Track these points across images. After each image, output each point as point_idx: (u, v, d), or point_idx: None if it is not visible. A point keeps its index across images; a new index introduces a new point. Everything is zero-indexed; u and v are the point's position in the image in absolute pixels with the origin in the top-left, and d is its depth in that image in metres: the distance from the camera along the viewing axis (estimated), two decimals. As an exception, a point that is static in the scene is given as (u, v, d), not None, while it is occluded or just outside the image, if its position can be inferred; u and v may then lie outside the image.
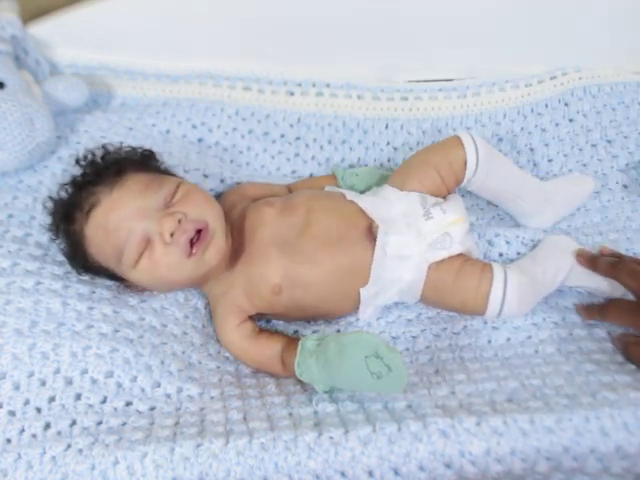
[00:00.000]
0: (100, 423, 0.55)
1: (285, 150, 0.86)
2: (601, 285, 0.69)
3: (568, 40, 0.86)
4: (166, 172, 0.73)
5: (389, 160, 0.86)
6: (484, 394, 0.56)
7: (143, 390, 0.59)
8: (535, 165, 0.85)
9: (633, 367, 0.61)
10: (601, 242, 0.74)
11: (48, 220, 0.69)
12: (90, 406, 0.56)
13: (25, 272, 0.64)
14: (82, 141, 0.78)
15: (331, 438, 0.51)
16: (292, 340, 0.66)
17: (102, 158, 0.71)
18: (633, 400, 0.53)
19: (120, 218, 0.63)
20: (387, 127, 0.87)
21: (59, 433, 0.53)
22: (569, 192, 0.78)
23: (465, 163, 0.70)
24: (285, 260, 0.66)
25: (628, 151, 0.84)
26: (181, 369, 0.62)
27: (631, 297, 0.65)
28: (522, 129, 0.86)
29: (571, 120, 0.86)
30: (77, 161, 0.71)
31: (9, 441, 0.53)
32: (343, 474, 0.50)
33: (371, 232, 0.68)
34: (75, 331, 0.60)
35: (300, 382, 0.61)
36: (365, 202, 0.70)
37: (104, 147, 0.72)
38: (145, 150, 0.74)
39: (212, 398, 0.60)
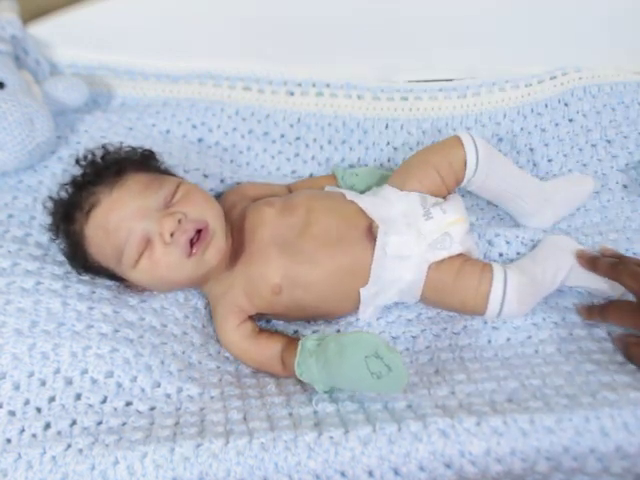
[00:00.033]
0: (100, 423, 0.55)
1: (285, 150, 0.86)
2: (601, 285, 0.69)
3: (568, 40, 0.86)
4: (166, 172, 0.73)
5: (389, 160, 0.86)
6: (484, 394, 0.56)
7: (143, 390, 0.59)
8: (535, 165, 0.85)
9: (633, 367, 0.61)
10: (601, 242, 0.74)
11: (48, 220, 0.69)
12: (90, 406, 0.56)
13: (25, 272, 0.64)
14: (82, 141, 0.78)
15: (331, 438, 0.51)
16: (292, 340, 0.66)
17: (102, 158, 0.71)
18: (633, 400, 0.53)
19: (120, 218, 0.63)
20: (387, 127, 0.87)
21: (59, 433, 0.53)
22: (569, 192, 0.78)
23: (465, 163, 0.70)
24: (285, 260, 0.67)
25: (628, 151, 0.84)
26: (181, 369, 0.62)
27: (631, 297, 0.65)
28: (522, 129, 0.86)
29: (571, 120, 0.86)
30: (77, 161, 0.71)
31: (9, 441, 0.53)
32: (343, 474, 0.50)
33: (371, 232, 0.68)
34: (75, 331, 0.60)
35: (300, 382, 0.61)
36: (365, 202, 0.70)
37: (104, 147, 0.72)
38: (145, 150, 0.74)
39: (212, 398, 0.60)
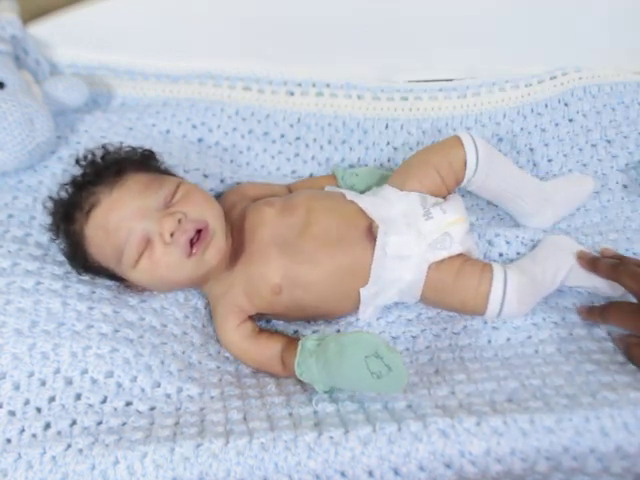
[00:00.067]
0: (100, 423, 0.55)
1: (285, 150, 0.86)
2: (601, 285, 0.69)
3: (568, 40, 0.86)
4: (166, 172, 0.73)
5: (389, 160, 0.86)
6: (484, 394, 0.56)
7: (143, 390, 0.59)
8: (535, 165, 0.85)
9: (633, 367, 0.61)
10: (601, 242, 0.75)
11: (48, 220, 0.69)
12: (90, 406, 0.56)
13: (25, 272, 0.64)
14: (82, 141, 0.78)
15: (331, 438, 0.51)
16: (292, 340, 0.66)
17: (102, 158, 0.71)
18: (633, 400, 0.53)
19: (120, 218, 0.63)
20: (387, 127, 0.87)
21: (59, 433, 0.53)
22: (569, 192, 0.78)
23: (465, 163, 0.70)
24: (285, 260, 0.67)
25: (628, 151, 0.84)
26: (181, 369, 0.62)
27: (631, 298, 0.65)
28: (522, 129, 0.86)
29: (571, 120, 0.86)
30: (77, 161, 0.71)
31: (9, 441, 0.53)
32: (343, 474, 0.50)
33: (371, 232, 0.68)
34: (75, 331, 0.60)
35: (300, 382, 0.61)
36: (365, 202, 0.70)
37: (104, 147, 0.72)
38: (145, 150, 0.74)
39: (212, 398, 0.60)
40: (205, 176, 0.80)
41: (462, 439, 0.50)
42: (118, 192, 0.64)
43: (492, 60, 0.88)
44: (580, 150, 0.85)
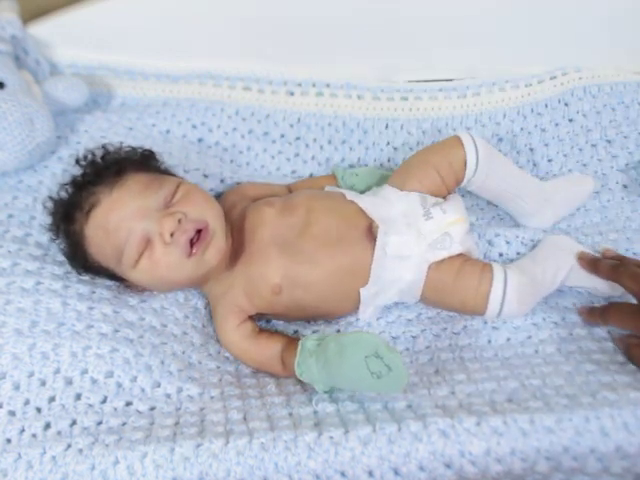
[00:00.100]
0: (100, 423, 0.55)
1: (285, 150, 0.86)
2: (601, 285, 0.69)
3: (568, 40, 0.86)
4: (166, 172, 0.73)
5: (389, 160, 0.86)
6: (484, 394, 0.56)
7: (143, 390, 0.59)
8: (535, 165, 0.85)
9: (633, 367, 0.61)
10: (601, 242, 0.75)
11: (48, 220, 0.69)
12: (90, 406, 0.56)
13: (25, 272, 0.64)
14: (82, 141, 0.78)
15: (331, 438, 0.51)
16: (292, 340, 0.66)
17: (102, 158, 0.71)
18: (633, 400, 0.53)
19: (120, 218, 0.63)
20: (387, 127, 0.87)
21: (59, 433, 0.53)
22: (569, 192, 0.78)
23: (465, 163, 0.70)
24: (285, 260, 0.67)
25: (628, 151, 0.84)
26: (181, 369, 0.62)
27: (631, 299, 0.65)
28: (522, 129, 0.86)
29: (571, 120, 0.86)
30: (77, 161, 0.71)
31: (9, 441, 0.53)
32: (343, 474, 0.50)
33: (371, 232, 0.68)
34: (75, 331, 0.60)
35: (300, 382, 0.61)
36: (365, 202, 0.70)
37: (104, 147, 0.72)
38: (145, 150, 0.74)
39: (212, 398, 0.60)
40: (205, 176, 0.80)
41: (462, 439, 0.50)
42: (118, 192, 0.64)
43: (492, 60, 0.88)
44: (580, 150, 0.85)
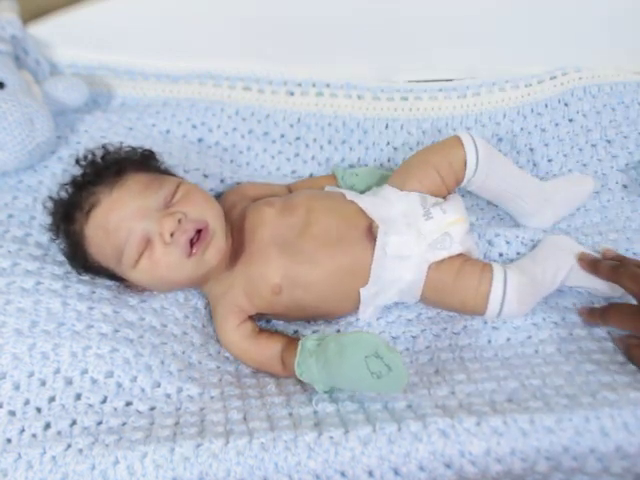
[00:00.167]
0: (100, 423, 0.55)
1: (285, 150, 0.86)
2: (601, 286, 0.69)
3: (568, 40, 0.86)
4: (166, 172, 0.73)
5: (389, 160, 0.86)
6: (484, 394, 0.56)
7: (143, 390, 0.59)
8: (535, 165, 0.85)
9: (633, 367, 0.61)
10: (601, 242, 0.75)
11: (48, 220, 0.69)
12: (90, 406, 0.56)
13: (25, 272, 0.64)
14: (82, 141, 0.78)
15: (331, 438, 0.51)
16: (292, 340, 0.66)
17: (102, 158, 0.71)
18: (633, 400, 0.53)
19: (120, 218, 0.63)
20: (387, 127, 0.87)
21: (59, 433, 0.53)
22: (569, 192, 0.78)
23: (465, 163, 0.70)
24: (285, 260, 0.67)
25: (628, 151, 0.84)
26: (181, 369, 0.62)
27: (631, 299, 0.65)
28: (522, 129, 0.86)
29: (571, 120, 0.86)
30: (77, 161, 0.71)
31: (9, 441, 0.53)
32: (343, 474, 0.50)
33: (371, 232, 0.68)
34: (75, 331, 0.60)
35: (300, 382, 0.61)
36: (365, 202, 0.70)
37: (104, 147, 0.72)
38: (145, 150, 0.74)
39: (212, 398, 0.60)
40: (205, 176, 0.80)
41: (462, 439, 0.50)
42: (118, 192, 0.64)
43: (492, 60, 0.88)
44: (580, 150, 0.85)
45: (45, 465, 0.50)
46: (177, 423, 0.55)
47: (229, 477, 0.50)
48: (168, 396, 0.59)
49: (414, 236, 0.67)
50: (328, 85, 0.88)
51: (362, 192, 0.75)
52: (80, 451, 0.51)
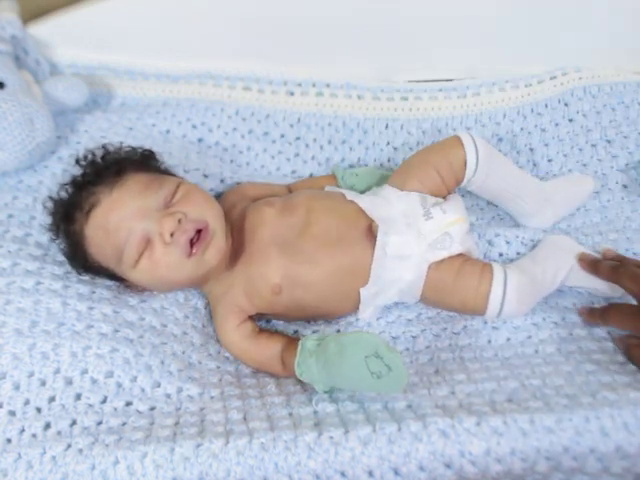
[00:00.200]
0: (100, 423, 0.55)
1: (285, 150, 0.86)
2: (601, 286, 0.69)
3: (568, 40, 0.86)
4: (166, 172, 0.73)
5: (389, 160, 0.86)
6: (484, 394, 0.56)
7: (143, 390, 0.59)
8: (535, 165, 0.85)
9: (633, 367, 0.61)
10: (601, 242, 0.75)
11: (48, 220, 0.69)
12: (90, 406, 0.56)
13: (25, 272, 0.64)
14: (82, 141, 0.78)
15: (331, 438, 0.51)
16: (292, 340, 0.66)
17: (102, 158, 0.71)
18: (633, 400, 0.53)
19: (120, 218, 0.63)
20: (387, 127, 0.87)
21: (59, 433, 0.53)
22: (569, 192, 0.79)
23: (465, 163, 0.70)
24: (285, 260, 0.67)
25: (628, 151, 0.84)
26: (181, 369, 0.62)
27: (631, 299, 0.65)
28: (522, 129, 0.86)
29: (571, 120, 0.86)
30: (77, 161, 0.71)
31: (9, 441, 0.53)
32: (343, 474, 0.50)
33: (371, 232, 0.68)
34: (75, 331, 0.60)
35: (300, 382, 0.61)
36: (365, 202, 0.70)
37: (104, 147, 0.72)
38: (145, 150, 0.74)
39: (212, 398, 0.60)
40: (205, 176, 0.80)
41: (462, 439, 0.50)
42: (118, 192, 0.64)
43: (492, 60, 0.88)
44: (580, 150, 0.85)
45: (45, 465, 0.50)
46: (177, 423, 0.55)
47: (229, 477, 0.50)
48: (168, 396, 0.59)
49: (414, 236, 0.67)
50: (328, 85, 0.88)
51: (362, 192, 0.75)
52: (80, 451, 0.51)
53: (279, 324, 0.72)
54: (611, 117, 0.85)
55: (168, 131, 0.84)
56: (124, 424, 0.55)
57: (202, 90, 0.87)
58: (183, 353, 0.64)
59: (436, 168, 0.70)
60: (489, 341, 0.67)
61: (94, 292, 0.66)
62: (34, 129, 0.71)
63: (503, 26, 0.86)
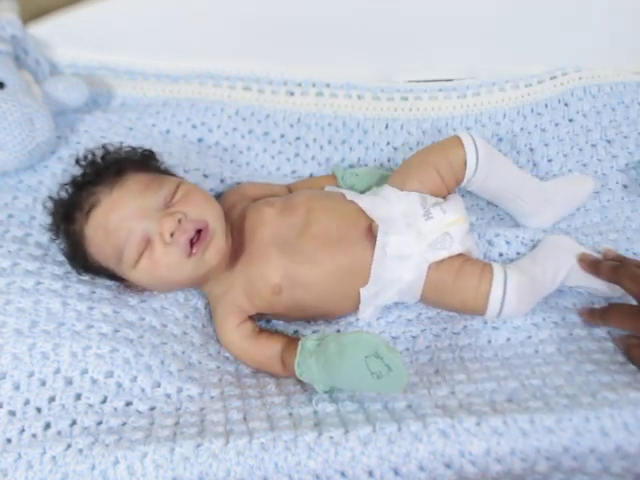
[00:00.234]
0: (100, 423, 0.55)
1: (285, 150, 0.86)
2: (601, 286, 0.69)
3: (568, 40, 0.86)
4: (166, 172, 0.73)
5: (389, 160, 0.86)
6: (484, 394, 0.56)
7: (143, 390, 0.59)
8: (535, 165, 0.85)
9: (633, 367, 0.61)
10: (601, 242, 0.75)
11: (48, 220, 0.69)
12: (90, 406, 0.56)
13: (25, 272, 0.64)
14: (82, 141, 0.78)
15: (331, 438, 0.51)
16: (292, 340, 0.66)
17: (102, 158, 0.71)
18: (633, 400, 0.53)
19: (120, 218, 0.63)
20: (387, 127, 0.87)
21: (59, 433, 0.53)
22: (569, 192, 0.79)
23: (465, 163, 0.70)
24: (285, 260, 0.67)
25: (628, 151, 0.84)
26: (181, 369, 0.62)
27: (631, 300, 0.65)
28: (522, 129, 0.86)
29: (571, 120, 0.86)
30: (77, 161, 0.71)
31: (9, 441, 0.53)
32: (343, 474, 0.50)
33: (371, 232, 0.68)
34: (75, 331, 0.60)
35: (300, 382, 0.61)
36: (365, 202, 0.70)
37: (104, 147, 0.72)
38: (145, 150, 0.74)
39: (212, 398, 0.60)
40: (205, 176, 0.80)
41: (462, 439, 0.50)
42: (118, 192, 0.64)
43: (492, 60, 0.88)
44: (580, 150, 0.85)
45: (45, 465, 0.50)
46: (177, 423, 0.55)
47: (229, 477, 0.50)
48: (168, 396, 0.59)
49: (414, 236, 0.67)
50: (328, 85, 0.88)
51: (362, 192, 0.75)
52: (80, 451, 0.51)
53: (279, 324, 0.72)
54: (611, 117, 0.85)
55: (168, 131, 0.84)
56: (124, 424, 0.55)
57: (202, 90, 0.87)
58: (183, 353, 0.64)
59: (436, 168, 0.70)
60: (489, 341, 0.67)
61: (94, 292, 0.66)
62: (34, 129, 0.71)
63: (503, 26, 0.87)
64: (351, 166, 0.86)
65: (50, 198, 0.70)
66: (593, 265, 0.68)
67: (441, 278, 0.67)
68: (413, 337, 0.69)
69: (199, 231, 0.64)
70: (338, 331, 0.70)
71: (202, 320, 0.70)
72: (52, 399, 0.56)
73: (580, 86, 0.86)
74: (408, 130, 0.87)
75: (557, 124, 0.86)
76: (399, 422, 0.52)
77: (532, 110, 0.86)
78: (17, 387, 0.56)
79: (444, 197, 0.72)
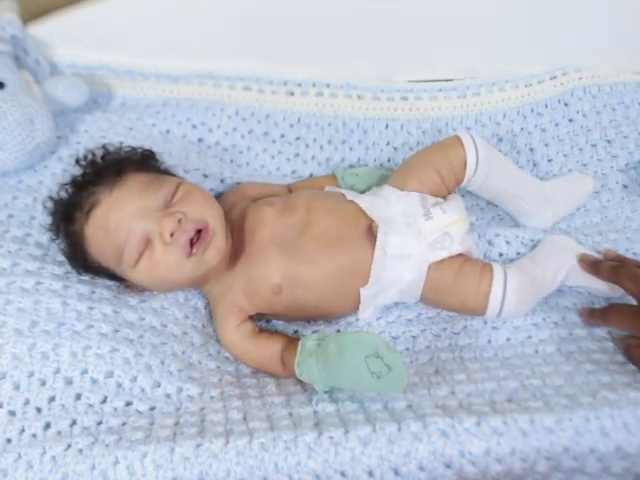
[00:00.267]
0: (100, 423, 0.55)
1: (285, 150, 0.86)
2: (601, 286, 0.69)
3: (568, 40, 0.86)
4: (166, 172, 0.73)
5: (389, 160, 0.86)
6: (484, 394, 0.56)
7: (143, 390, 0.59)
8: (535, 165, 0.85)
9: (633, 367, 0.61)
10: (601, 242, 0.75)
11: (48, 220, 0.69)
12: (90, 406, 0.56)
13: (25, 272, 0.64)
14: (82, 141, 0.78)
15: (331, 438, 0.51)
16: (292, 340, 0.66)
17: (102, 158, 0.71)
18: (633, 400, 0.53)
19: (120, 218, 0.63)
20: (387, 127, 0.87)
21: (59, 433, 0.53)
22: (569, 192, 0.79)
23: (465, 163, 0.70)
24: (285, 260, 0.67)
25: (628, 151, 0.84)
26: (181, 369, 0.62)
27: (631, 300, 0.65)
28: (522, 129, 0.86)
29: (571, 120, 0.86)
30: (77, 161, 0.71)
31: (9, 441, 0.53)
32: (343, 474, 0.50)
33: (371, 232, 0.68)
34: (75, 331, 0.60)
35: (300, 382, 0.61)
36: (365, 202, 0.70)
37: (104, 147, 0.72)
38: (145, 150, 0.74)
39: (212, 398, 0.60)
40: (205, 176, 0.80)
41: (462, 439, 0.50)
42: (118, 192, 0.64)
43: (492, 60, 0.88)
44: (580, 150, 0.85)
45: (45, 465, 0.50)
46: (177, 423, 0.55)
47: (229, 477, 0.50)
48: (168, 396, 0.59)
49: (414, 236, 0.67)
50: (328, 85, 0.88)
51: (362, 192, 0.75)
52: (80, 451, 0.51)
53: (279, 324, 0.72)
54: (611, 117, 0.85)
55: (168, 131, 0.84)
56: (124, 424, 0.55)
57: (202, 90, 0.87)
58: (183, 353, 0.64)
59: (436, 168, 0.70)
60: (489, 341, 0.67)
61: (94, 292, 0.66)
62: (34, 129, 0.71)
63: (503, 26, 0.87)
64: (351, 166, 0.86)
65: (50, 198, 0.70)
66: (593, 265, 0.68)
67: (441, 278, 0.67)
68: (413, 337, 0.69)
69: (199, 231, 0.64)
70: (338, 331, 0.70)
71: (202, 320, 0.70)
72: (52, 399, 0.56)
73: (580, 86, 0.86)
74: (408, 130, 0.87)
75: (557, 124, 0.86)
76: (399, 422, 0.52)
77: (532, 110, 0.86)
78: (17, 387, 0.56)
79: (444, 197, 0.72)
